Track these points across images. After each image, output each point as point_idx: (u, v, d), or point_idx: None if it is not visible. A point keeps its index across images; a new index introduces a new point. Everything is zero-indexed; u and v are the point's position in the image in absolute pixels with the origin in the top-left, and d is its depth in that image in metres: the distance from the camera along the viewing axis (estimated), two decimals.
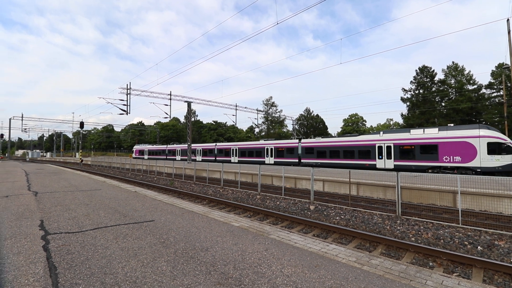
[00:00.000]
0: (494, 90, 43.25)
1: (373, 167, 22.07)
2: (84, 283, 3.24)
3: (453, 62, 46.52)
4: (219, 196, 14.08)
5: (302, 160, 28.29)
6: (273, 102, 74.04)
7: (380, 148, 22.12)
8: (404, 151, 20.81)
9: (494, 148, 17.11)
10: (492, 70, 42.92)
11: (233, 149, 36.66)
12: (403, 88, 48.62)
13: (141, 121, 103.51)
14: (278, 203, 12.21)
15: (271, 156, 31.67)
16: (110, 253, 4.23)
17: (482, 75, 52.72)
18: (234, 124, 43.07)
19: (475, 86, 44.18)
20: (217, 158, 38.47)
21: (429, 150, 19.54)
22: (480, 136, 17.51)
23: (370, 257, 4.45)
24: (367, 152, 22.94)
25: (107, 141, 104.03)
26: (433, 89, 46.22)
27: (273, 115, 71.03)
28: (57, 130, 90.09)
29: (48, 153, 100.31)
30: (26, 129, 65.78)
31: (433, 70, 46.70)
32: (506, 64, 34.58)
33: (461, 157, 18.08)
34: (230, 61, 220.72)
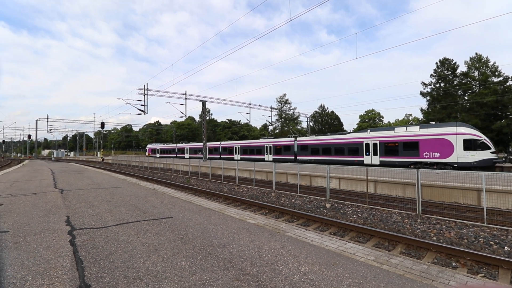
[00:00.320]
0: None
1: (361, 163, 22.99)
2: (108, 276, 3.38)
3: (476, 54, 44.28)
4: (234, 194, 14.21)
5: (297, 157, 29.65)
6: (286, 100, 73.46)
7: (367, 145, 23.31)
8: (388, 148, 21.92)
9: (469, 145, 18.05)
10: None
11: (236, 147, 38.66)
12: (422, 82, 46.80)
13: (158, 121, 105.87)
14: (293, 200, 12.17)
15: (270, 154, 33.46)
16: (132, 248, 4.39)
17: (508, 66, 49.85)
18: (248, 122, 43.15)
19: (501, 78, 41.86)
20: (221, 156, 40.45)
21: (411, 146, 20.55)
22: (456, 134, 18.54)
23: (389, 256, 4.37)
24: (355, 149, 24.18)
25: (126, 140, 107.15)
26: (455, 82, 44.24)
27: (287, 112, 70.57)
28: (80, 131, 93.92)
29: (72, 153, 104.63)
30: (51, 129, 68.72)
31: (455, 63, 44.66)
32: None
33: (440, 153, 19.07)
34: (244, 59, 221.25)
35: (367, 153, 23.31)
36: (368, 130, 24.17)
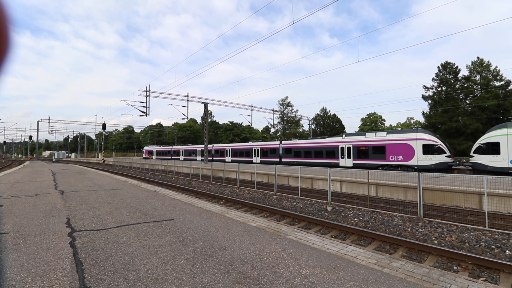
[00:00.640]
0: None
1: (337, 165, 25.13)
2: (108, 279, 3.37)
3: (478, 58, 44.21)
4: (235, 196, 14.18)
5: (282, 160, 31.39)
6: (288, 102, 73.53)
7: (342, 149, 25.40)
8: (360, 152, 23.93)
9: (428, 149, 19.79)
10: None
11: (227, 150, 40.38)
12: (424, 86, 46.76)
13: (160, 122, 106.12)
14: (294, 203, 12.14)
15: (258, 156, 35.08)
16: (132, 250, 4.38)
17: (510, 71, 49.81)
18: (250, 124, 43.23)
19: (503, 82, 41.79)
20: (214, 158, 42.00)
21: (379, 150, 22.54)
22: (417, 139, 20.33)
23: (390, 259, 4.34)
24: (332, 152, 26.23)
25: (127, 142, 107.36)
26: (457, 86, 44.22)
27: (289, 115, 70.58)
28: (81, 132, 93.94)
29: (73, 154, 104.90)
30: (52, 131, 68.80)
31: (457, 67, 44.66)
32: None
33: (403, 156, 20.93)
34: (246, 61, 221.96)
35: (342, 156, 25.31)
36: (343, 135, 26.29)
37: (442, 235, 7.58)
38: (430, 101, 46.47)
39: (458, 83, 44.52)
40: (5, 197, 9.54)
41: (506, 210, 9.34)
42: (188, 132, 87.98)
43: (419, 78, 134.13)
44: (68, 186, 12.92)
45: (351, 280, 3.49)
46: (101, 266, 3.76)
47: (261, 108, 43.11)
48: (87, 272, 3.55)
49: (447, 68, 45.18)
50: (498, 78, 42.51)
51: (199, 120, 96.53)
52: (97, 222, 6.17)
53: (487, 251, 6.51)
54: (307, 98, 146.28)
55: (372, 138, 23.33)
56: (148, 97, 30.88)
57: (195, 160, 43.90)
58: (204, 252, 4.34)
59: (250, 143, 38.25)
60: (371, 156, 23.02)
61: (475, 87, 43.69)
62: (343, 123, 69.49)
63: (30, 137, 67.53)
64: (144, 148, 68.78)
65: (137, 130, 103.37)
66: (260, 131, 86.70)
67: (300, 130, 75.07)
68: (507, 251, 6.41)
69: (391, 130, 25.18)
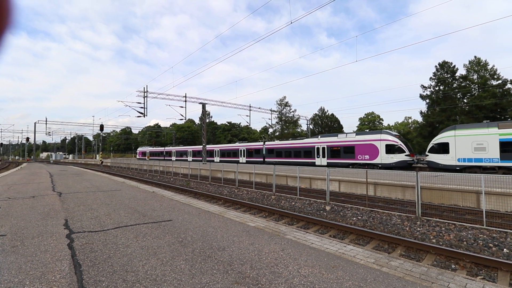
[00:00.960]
0: None
1: (313, 164, 27.10)
2: (107, 280, 3.36)
3: (475, 57, 44.45)
4: (234, 197, 14.18)
5: (265, 159, 33.10)
6: (286, 102, 73.59)
7: (318, 149, 27.31)
8: (333, 151, 26.00)
9: (390, 149, 21.91)
10: None
11: (215, 151, 41.93)
12: (422, 85, 46.99)
13: (158, 123, 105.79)
14: (293, 203, 12.15)
15: (244, 156, 36.73)
16: (131, 251, 4.37)
17: (507, 70, 50.04)
18: (248, 124, 43.26)
19: (500, 81, 42.06)
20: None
21: (349, 150, 24.54)
22: (381, 140, 22.41)
23: (389, 258, 4.36)
24: (309, 152, 28.08)
25: (125, 143, 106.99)
26: (454, 85, 44.43)
27: (287, 115, 70.64)
28: (79, 133, 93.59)
29: (71, 155, 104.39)
30: (49, 132, 68.39)
31: (454, 66, 44.89)
32: None
33: (369, 155, 22.95)
34: (244, 62, 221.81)
35: (318, 156, 27.22)
36: (319, 136, 28.17)
37: (440, 234, 7.61)
38: (428, 100, 46.70)
39: (456, 82, 44.75)
40: (2, 199, 9.49)
41: (503, 209, 9.39)
42: (186, 133, 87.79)
43: (416, 77, 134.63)
44: (66, 187, 12.87)
45: (350, 279, 3.50)
46: (100, 267, 3.74)
47: (259, 108, 43.15)
48: (85, 274, 3.54)
49: (445, 68, 45.40)
50: (495, 77, 42.77)
51: (197, 121, 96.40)
52: (95, 223, 6.15)
53: (485, 249, 6.54)
54: (305, 98, 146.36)
55: (344, 139, 25.33)
56: (145, 98, 30.80)
57: (186, 160, 45.92)
58: (203, 253, 4.34)
59: (236, 144, 40.19)
60: (343, 156, 24.97)
61: (472, 86, 43.90)
62: (341, 123, 69.69)
63: (27, 138, 67.15)
64: (138, 149, 70.68)
65: (135, 131, 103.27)
66: (259, 131, 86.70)
67: (299, 130, 75.14)
68: (504, 250, 6.45)
69: (360, 131, 28.17)
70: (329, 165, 25.25)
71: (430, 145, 20.37)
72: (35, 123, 56.64)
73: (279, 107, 73.25)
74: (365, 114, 73.84)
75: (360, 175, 14.23)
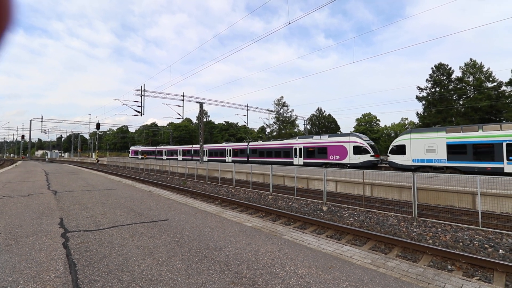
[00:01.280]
0: None
1: (291, 164, 28.35)
2: (102, 280, 3.33)
3: (471, 59, 44.81)
4: (231, 196, 14.15)
5: (249, 159, 34.50)
6: (284, 102, 73.56)
7: (295, 149, 29.22)
8: (309, 152, 27.83)
9: (357, 150, 23.89)
10: None
11: (204, 151, 42.12)
12: (418, 87, 47.29)
13: (155, 122, 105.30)
14: (290, 203, 12.15)
15: (229, 156, 38.16)
16: (127, 251, 4.33)
17: (502, 72, 50.46)
18: (246, 124, 43.21)
19: (495, 84, 42.41)
20: (193, 158, 45.07)
21: (322, 151, 26.50)
22: (349, 142, 24.41)
23: (385, 259, 4.36)
24: (288, 152, 30.01)
25: (122, 141, 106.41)
26: (450, 87, 44.74)
27: (285, 115, 70.66)
28: (75, 131, 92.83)
29: (66, 154, 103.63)
30: (45, 130, 68.06)
31: (450, 68, 45.20)
32: None
33: (339, 156, 24.95)
34: (242, 61, 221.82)
35: (295, 156, 29.05)
36: (297, 138, 30.32)
37: (437, 234, 7.65)
38: (424, 102, 46.99)
39: (452, 84, 45.07)
40: None
41: (499, 210, 9.46)
42: (183, 132, 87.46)
43: (413, 79, 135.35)
44: (61, 186, 12.76)
45: (347, 280, 3.49)
46: (95, 267, 3.70)
47: (256, 108, 43.18)
48: (80, 273, 3.50)
49: (441, 70, 45.71)
50: (490, 79, 43.13)
51: (194, 120, 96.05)
52: (90, 222, 6.09)
53: (481, 250, 6.58)
54: (303, 98, 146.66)
55: (318, 140, 27.28)
56: (143, 97, 30.66)
57: (176, 159, 48.73)
58: (199, 253, 4.31)
59: (223, 144, 41.85)
60: (317, 156, 26.90)
61: (468, 88, 44.25)
62: (338, 123, 69.88)
63: (23, 136, 66.51)
64: (130, 148, 72.28)
65: (131, 129, 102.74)
66: (256, 131, 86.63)
67: (296, 130, 75.21)
68: (500, 250, 6.49)
69: (332, 134, 30.94)
70: (305, 164, 27.47)
71: (390, 147, 22.30)
72: (30, 121, 56.15)
73: (277, 107, 73.21)
74: (362, 115, 73.96)
75: (357, 175, 14.26)
